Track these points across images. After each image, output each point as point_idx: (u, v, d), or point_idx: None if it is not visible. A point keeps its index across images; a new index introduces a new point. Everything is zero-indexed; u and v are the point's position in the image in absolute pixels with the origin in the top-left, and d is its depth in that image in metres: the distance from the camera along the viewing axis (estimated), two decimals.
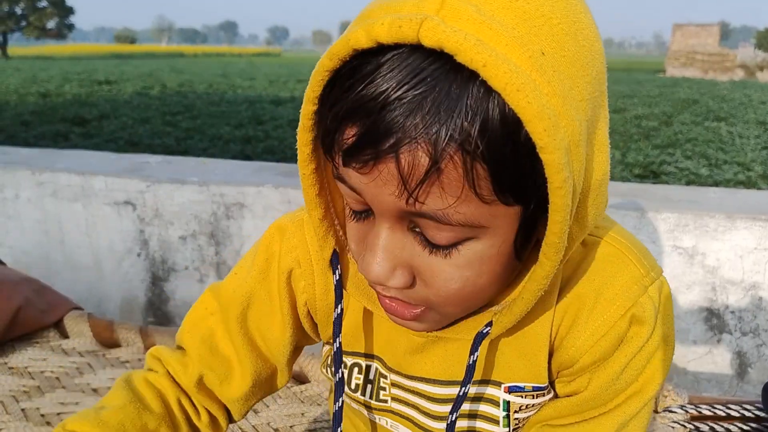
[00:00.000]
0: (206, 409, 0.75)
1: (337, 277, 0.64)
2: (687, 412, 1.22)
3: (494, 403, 0.68)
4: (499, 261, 0.54)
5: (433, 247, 0.52)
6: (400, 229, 0.52)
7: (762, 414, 1.19)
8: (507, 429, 0.69)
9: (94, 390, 1.30)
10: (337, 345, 0.66)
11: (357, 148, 0.47)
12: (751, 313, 1.74)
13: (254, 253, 0.75)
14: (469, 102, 0.44)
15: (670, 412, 1.23)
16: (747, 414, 1.20)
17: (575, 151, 0.48)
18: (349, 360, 0.74)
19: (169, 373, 0.74)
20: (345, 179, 0.52)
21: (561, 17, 0.48)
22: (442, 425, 0.70)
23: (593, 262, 0.63)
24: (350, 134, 0.47)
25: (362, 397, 0.74)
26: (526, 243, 0.55)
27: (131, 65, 30.74)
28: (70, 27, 68.58)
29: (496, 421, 0.68)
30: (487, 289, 0.56)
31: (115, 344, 1.49)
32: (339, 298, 0.65)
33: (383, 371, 0.72)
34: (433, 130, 0.44)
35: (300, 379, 1.38)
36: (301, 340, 0.76)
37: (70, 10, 66.72)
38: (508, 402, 0.67)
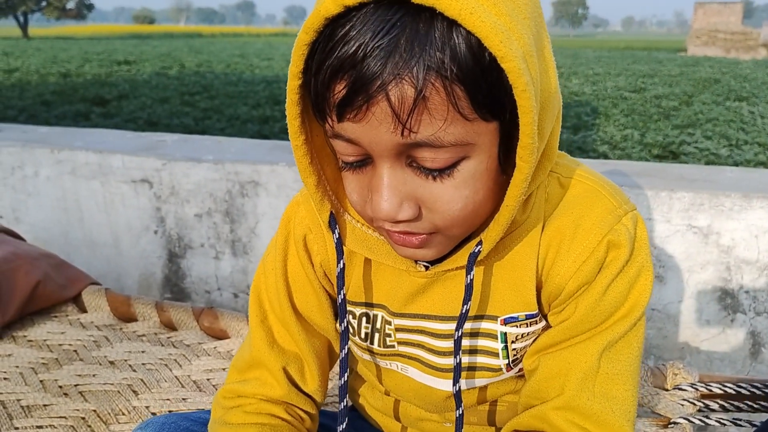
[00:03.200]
0: (303, 410, 0.82)
1: (337, 236, 0.71)
2: (697, 390, 1.22)
3: (492, 336, 0.74)
4: (489, 176, 0.60)
5: (432, 173, 0.58)
6: (399, 167, 0.58)
7: None
8: (506, 361, 0.75)
9: (111, 362, 1.33)
10: (341, 298, 0.72)
11: (349, 98, 0.53)
12: (766, 293, 1.73)
13: (275, 239, 0.81)
14: (436, 35, 0.51)
15: (681, 390, 1.23)
16: (757, 392, 1.20)
17: (530, 60, 0.54)
18: (357, 310, 0.79)
19: (261, 401, 0.81)
20: (341, 134, 0.57)
21: None
22: (448, 360, 0.76)
23: (570, 199, 0.70)
24: (340, 89, 0.53)
25: (371, 345, 0.80)
26: (508, 158, 0.60)
27: (150, 45, 30.82)
28: (90, 7, 68.77)
29: (495, 354, 0.75)
30: (485, 205, 0.62)
31: (132, 318, 1.52)
32: (340, 254, 0.71)
33: (387, 318, 0.78)
34: (412, 64, 0.51)
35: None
36: (332, 304, 0.82)
37: None
38: (505, 333, 0.74)
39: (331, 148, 0.66)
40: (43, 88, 10.96)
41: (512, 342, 0.74)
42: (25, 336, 1.42)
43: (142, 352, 1.37)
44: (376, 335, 0.79)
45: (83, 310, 1.55)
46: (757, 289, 1.73)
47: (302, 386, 0.81)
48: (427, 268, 0.72)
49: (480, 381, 0.78)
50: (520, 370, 0.78)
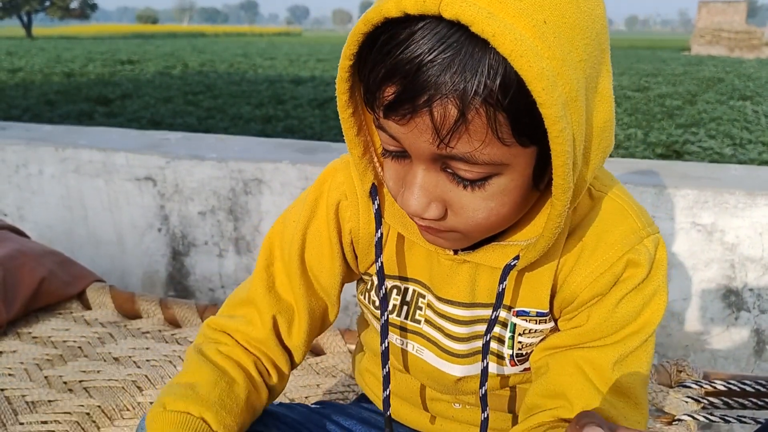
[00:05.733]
0: (275, 365, 0.83)
1: (376, 206, 0.74)
2: (702, 387, 1.22)
3: (503, 324, 0.77)
4: (518, 193, 0.62)
5: (464, 182, 0.60)
6: (434, 169, 0.61)
7: None
8: (511, 351, 0.78)
9: (116, 359, 1.33)
10: (379, 264, 0.76)
11: (396, 104, 0.56)
12: None
13: (305, 195, 0.83)
14: (490, 62, 0.52)
15: (685, 387, 1.23)
16: (761, 390, 1.20)
17: (573, 105, 0.56)
18: (388, 283, 0.82)
19: (238, 343, 0.82)
20: (385, 128, 0.60)
21: None
22: (462, 346, 0.79)
23: (598, 213, 0.72)
24: (390, 92, 0.56)
25: (398, 318, 0.82)
26: (543, 175, 0.63)
27: (153, 45, 30.86)
28: (93, 7, 68.86)
29: (502, 341, 0.78)
30: (509, 217, 0.65)
31: (136, 315, 1.52)
32: (379, 223, 0.75)
33: (422, 291, 0.81)
34: (461, 87, 0.53)
35: (316, 351, 1.40)
36: (345, 272, 0.84)
37: None
38: (515, 324, 0.77)
39: None
40: (46, 88, 10.99)
41: (519, 334, 0.77)
42: (29, 332, 1.42)
43: (146, 348, 1.37)
44: (405, 307, 0.82)
45: (87, 307, 1.55)
46: (761, 287, 1.73)
47: (286, 339, 0.83)
48: (456, 252, 0.74)
49: (489, 366, 0.79)
50: (525, 369, 0.80)
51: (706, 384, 1.22)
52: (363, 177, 0.72)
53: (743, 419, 1.18)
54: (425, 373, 0.84)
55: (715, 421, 1.15)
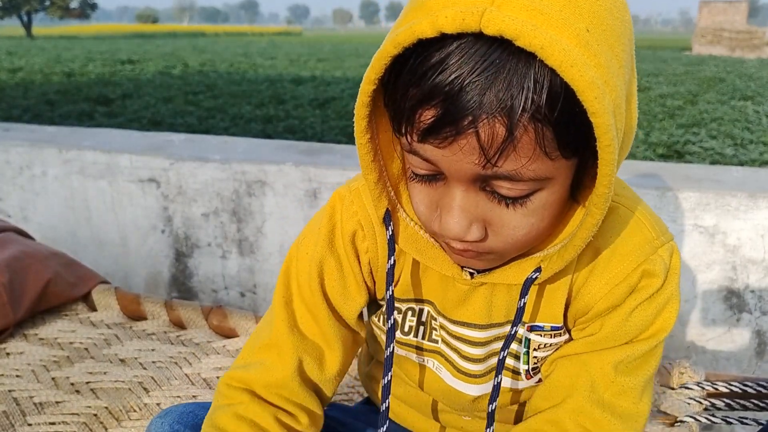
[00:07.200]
0: (302, 407, 0.79)
1: (390, 233, 0.71)
2: (703, 389, 1.23)
3: (518, 341, 0.77)
4: (557, 205, 0.61)
5: (506, 200, 0.59)
6: (473, 190, 0.59)
7: None
8: (526, 366, 0.78)
9: (122, 360, 1.34)
10: (390, 293, 0.73)
11: (436, 127, 0.54)
12: None
13: (318, 225, 0.80)
14: (535, 76, 0.51)
15: (687, 388, 1.24)
16: (763, 391, 1.20)
17: (618, 112, 0.54)
18: (403, 306, 0.80)
19: (256, 395, 0.78)
20: (419, 152, 0.58)
21: None
22: (478, 367, 0.78)
23: (611, 223, 0.70)
24: (428, 116, 0.54)
25: (415, 339, 0.81)
26: (578, 185, 0.63)
27: (153, 45, 30.85)
28: (93, 6, 68.85)
29: (518, 357, 0.78)
30: (546, 231, 0.64)
31: (141, 317, 1.53)
32: (392, 251, 0.72)
33: (434, 314, 0.79)
34: (508, 104, 0.51)
35: None
36: (369, 299, 0.82)
37: None
38: (529, 339, 0.76)
39: (401, 154, 0.67)
40: (47, 88, 10.98)
41: (534, 349, 0.77)
42: (36, 334, 1.43)
43: (152, 350, 1.38)
44: (422, 328, 0.81)
45: (93, 308, 1.56)
46: (762, 289, 1.74)
47: (316, 375, 0.80)
48: (472, 275, 0.72)
49: (503, 382, 0.79)
50: (540, 380, 0.80)
51: (707, 385, 1.23)
52: (377, 203, 0.69)
53: (745, 420, 1.19)
54: (441, 392, 0.83)
55: (717, 423, 1.16)
